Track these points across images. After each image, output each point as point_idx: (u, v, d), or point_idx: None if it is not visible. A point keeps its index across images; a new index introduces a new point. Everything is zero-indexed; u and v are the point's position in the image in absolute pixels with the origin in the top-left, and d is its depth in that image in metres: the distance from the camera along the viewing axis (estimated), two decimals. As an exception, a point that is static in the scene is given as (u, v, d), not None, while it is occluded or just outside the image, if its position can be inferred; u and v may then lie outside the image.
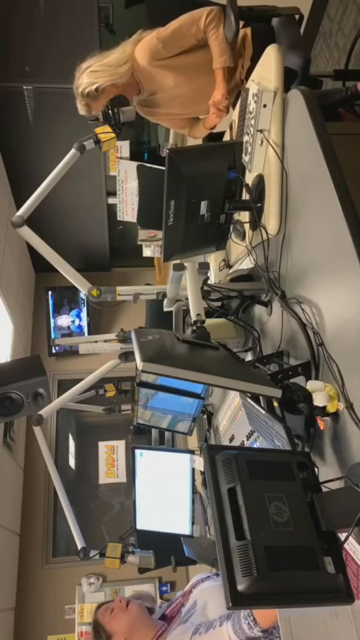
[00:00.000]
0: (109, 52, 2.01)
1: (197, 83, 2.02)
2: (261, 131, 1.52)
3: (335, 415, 1.14)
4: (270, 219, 1.52)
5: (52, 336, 5.16)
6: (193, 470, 1.82)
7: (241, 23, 1.95)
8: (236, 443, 1.96)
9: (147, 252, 4.50)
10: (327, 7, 3.32)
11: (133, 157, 4.31)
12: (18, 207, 1.63)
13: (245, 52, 2.01)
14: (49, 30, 3.59)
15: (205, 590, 1.68)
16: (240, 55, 2.02)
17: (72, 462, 5.31)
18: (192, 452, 1.85)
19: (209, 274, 1.79)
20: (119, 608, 1.67)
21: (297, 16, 2.04)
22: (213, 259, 2.26)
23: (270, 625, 1.33)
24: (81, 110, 2.02)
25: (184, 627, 1.53)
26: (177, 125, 2.36)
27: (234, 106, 2.02)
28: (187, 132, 2.34)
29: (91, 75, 1.94)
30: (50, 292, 5.25)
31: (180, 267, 1.43)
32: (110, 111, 1.84)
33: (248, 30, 2.00)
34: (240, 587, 0.76)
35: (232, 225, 1.70)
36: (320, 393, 1.13)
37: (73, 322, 5.31)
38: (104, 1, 3.81)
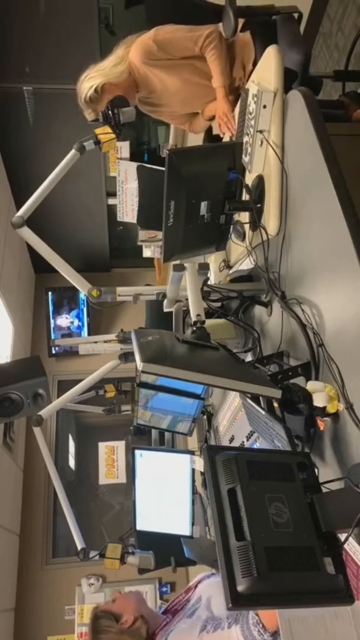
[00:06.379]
0: (103, 60, 2.09)
1: (191, 82, 2.06)
2: (261, 132, 1.52)
3: (335, 416, 1.14)
4: (270, 220, 1.52)
5: (52, 337, 5.16)
6: (193, 470, 1.83)
7: (240, 23, 1.95)
8: (236, 444, 1.96)
9: (147, 253, 4.50)
10: (327, 7, 3.31)
11: (133, 157, 4.32)
12: (18, 207, 1.63)
13: (245, 62, 2.03)
14: (49, 31, 3.60)
15: (209, 586, 1.69)
16: (240, 66, 2.04)
17: (72, 462, 5.31)
18: (192, 452, 1.85)
19: (208, 275, 1.79)
20: (119, 595, 1.68)
21: (296, 14, 2.05)
22: (213, 259, 2.26)
23: (277, 626, 1.33)
24: (89, 117, 2.08)
25: (191, 621, 1.53)
26: (178, 121, 2.39)
27: (234, 106, 2.02)
28: (187, 127, 2.36)
29: (89, 80, 2.02)
30: (50, 293, 5.25)
31: (180, 268, 1.43)
32: (110, 112, 1.84)
33: (247, 37, 2.01)
34: (240, 587, 0.77)
35: (232, 226, 1.70)
36: (320, 393, 1.13)
37: (73, 322, 5.31)
38: (104, 2, 3.82)
